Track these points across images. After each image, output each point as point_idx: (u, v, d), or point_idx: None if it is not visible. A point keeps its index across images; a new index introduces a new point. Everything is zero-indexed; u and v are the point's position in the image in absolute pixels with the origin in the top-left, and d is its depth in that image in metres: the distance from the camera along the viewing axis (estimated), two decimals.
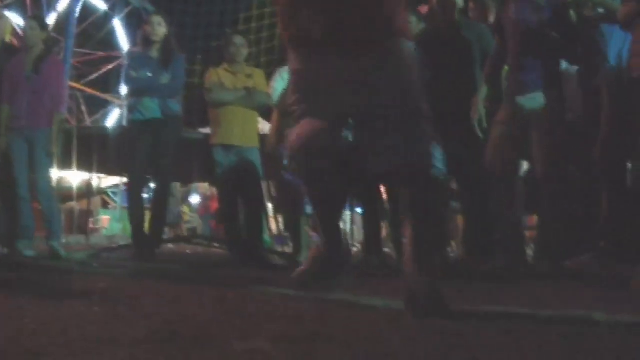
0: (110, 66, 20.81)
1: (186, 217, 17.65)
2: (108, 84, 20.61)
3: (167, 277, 4.87)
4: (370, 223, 6.21)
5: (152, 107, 6.44)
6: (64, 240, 7.46)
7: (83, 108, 19.97)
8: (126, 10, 20.09)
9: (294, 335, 2.15)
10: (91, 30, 19.79)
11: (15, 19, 17.75)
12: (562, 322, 2.60)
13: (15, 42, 7.83)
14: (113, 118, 20.72)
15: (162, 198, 6.74)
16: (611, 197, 4.82)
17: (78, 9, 17.15)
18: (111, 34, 20.67)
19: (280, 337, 2.10)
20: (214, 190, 14.44)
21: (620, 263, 4.65)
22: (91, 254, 7.06)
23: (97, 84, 20.53)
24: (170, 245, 10.19)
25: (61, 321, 2.33)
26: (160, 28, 6.58)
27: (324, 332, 2.21)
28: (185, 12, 14.25)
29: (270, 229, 9.55)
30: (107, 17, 20.41)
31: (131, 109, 6.66)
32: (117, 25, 20.48)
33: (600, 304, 3.08)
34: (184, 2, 14.26)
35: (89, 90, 19.42)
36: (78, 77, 18.76)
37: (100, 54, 20.67)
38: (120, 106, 19.39)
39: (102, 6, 20.16)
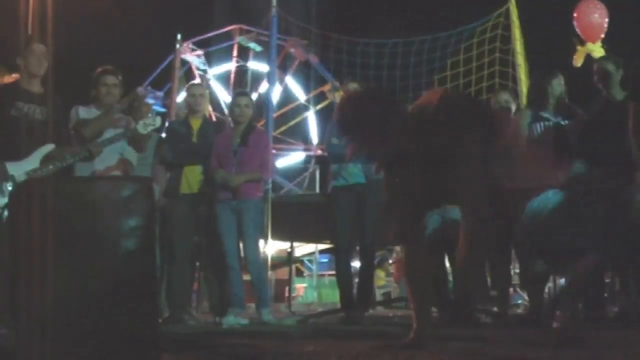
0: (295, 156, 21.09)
1: (381, 282, 17.56)
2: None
3: (378, 338, 4.83)
4: None
5: (355, 172, 6.56)
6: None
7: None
8: (322, 105, 20.55)
9: None
10: (287, 117, 20.32)
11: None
12: None
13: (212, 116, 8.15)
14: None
15: (369, 262, 6.78)
16: None
17: (277, 94, 17.91)
18: (304, 125, 21.09)
19: None
20: None
21: None
22: (300, 320, 7.15)
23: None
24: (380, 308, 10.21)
25: None
26: None
27: None
28: (379, 77, 14.56)
29: None
30: (302, 108, 20.88)
31: (335, 175, 6.77)
32: (311, 117, 20.89)
33: None
34: (378, 68, 14.60)
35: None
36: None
37: (297, 146, 21.00)
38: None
39: (302, 96, 20.70)
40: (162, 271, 7.01)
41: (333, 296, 15.99)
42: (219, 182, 6.61)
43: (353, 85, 6.81)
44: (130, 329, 2.70)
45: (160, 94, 16.28)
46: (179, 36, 14.55)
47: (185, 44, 18.00)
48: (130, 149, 6.34)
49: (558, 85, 6.24)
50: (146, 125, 6.21)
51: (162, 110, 15.06)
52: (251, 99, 7.32)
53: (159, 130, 6.99)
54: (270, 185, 7.63)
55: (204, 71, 19.43)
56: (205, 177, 6.85)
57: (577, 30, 11.00)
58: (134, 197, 2.75)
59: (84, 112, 6.29)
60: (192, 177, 6.90)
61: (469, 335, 4.72)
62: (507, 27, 13.14)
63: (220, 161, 6.74)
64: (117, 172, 6.18)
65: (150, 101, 12.39)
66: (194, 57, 18.68)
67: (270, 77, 11.06)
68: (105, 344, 2.67)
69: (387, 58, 15.15)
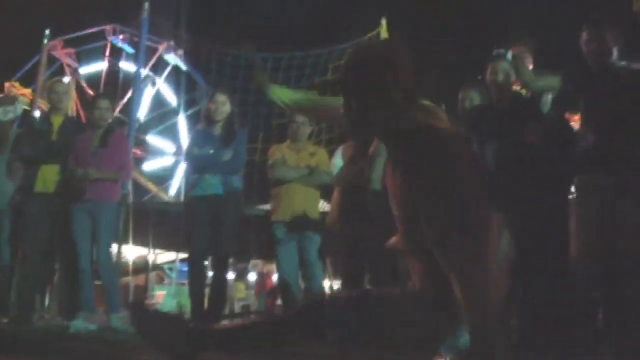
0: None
1: (241, 294, 17.57)
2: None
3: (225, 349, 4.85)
4: None
5: (213, 183, 6.50)
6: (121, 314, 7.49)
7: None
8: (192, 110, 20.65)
9: None
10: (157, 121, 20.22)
11: None
12: None
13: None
14: (173, 189, 20.90)
15: (222, 272, 6.76)
16: None
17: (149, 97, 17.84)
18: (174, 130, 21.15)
19: None
20: (270, 267, 14.39)
21: None
22: None
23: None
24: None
25: None
26: (223, 107, 6.69)
27: None
28: (247, 90, 14.62)
29: None
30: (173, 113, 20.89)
31: (193, 185, 6.72)
32: (181, 122, 20.93)
33: None
34: (246, 80, 14.66)
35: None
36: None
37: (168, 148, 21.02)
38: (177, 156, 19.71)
39: (173, 101, 20.67)
40: (13, 269, 6.85)
41: None
42: (78, 178, 6.49)
43: (220, 97, 6.79)
44: None
45: None
46: (47, 31, 14.10)
47: (57, 41, 17.65)
48: None
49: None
50: (6, 112, 6.05)
51: None
52: (112, 102, 7.26)
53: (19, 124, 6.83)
54: (129, 190, 7.52)
55: (76, 69, 19.11)
56: (62, 176, 6.72)
57: None
58: None
59: None
60: (48, 175, 6.75)
61: None
62: None
63: (79, 162, 6.62)
64: None
65: None
66: (65, 55, 18.34)
67: (136, 79, 10.93)
68: None
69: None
